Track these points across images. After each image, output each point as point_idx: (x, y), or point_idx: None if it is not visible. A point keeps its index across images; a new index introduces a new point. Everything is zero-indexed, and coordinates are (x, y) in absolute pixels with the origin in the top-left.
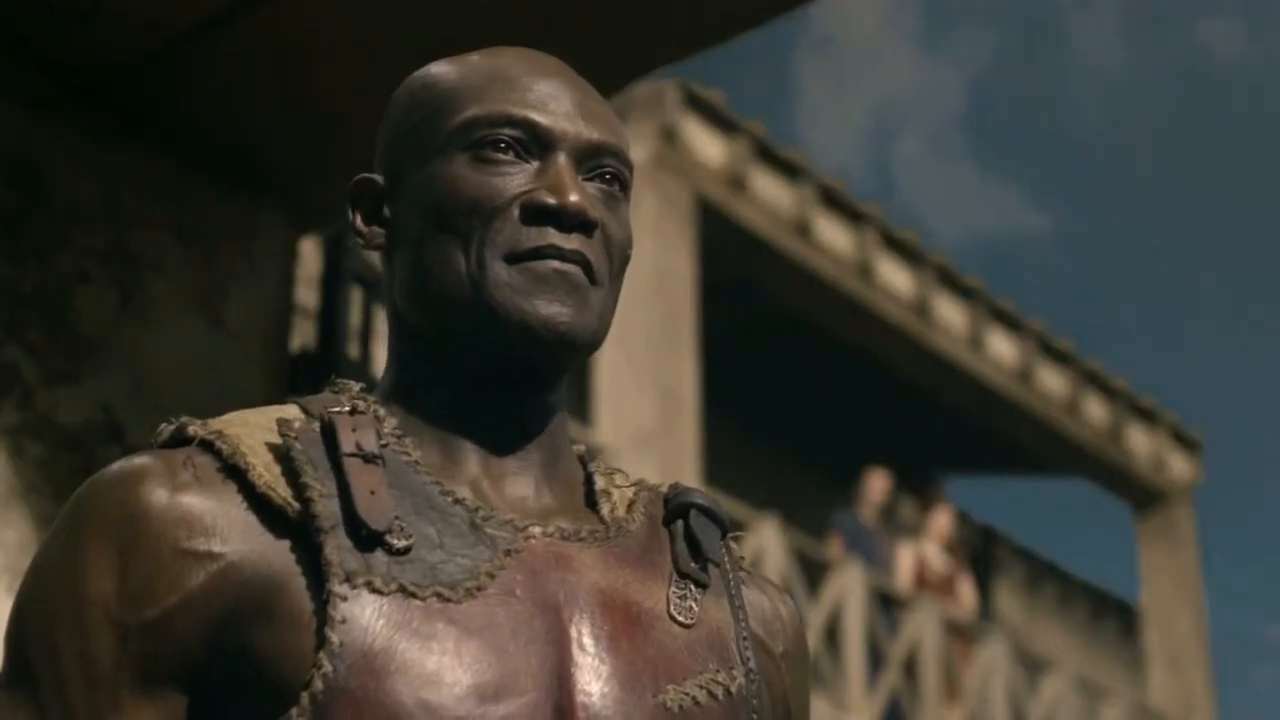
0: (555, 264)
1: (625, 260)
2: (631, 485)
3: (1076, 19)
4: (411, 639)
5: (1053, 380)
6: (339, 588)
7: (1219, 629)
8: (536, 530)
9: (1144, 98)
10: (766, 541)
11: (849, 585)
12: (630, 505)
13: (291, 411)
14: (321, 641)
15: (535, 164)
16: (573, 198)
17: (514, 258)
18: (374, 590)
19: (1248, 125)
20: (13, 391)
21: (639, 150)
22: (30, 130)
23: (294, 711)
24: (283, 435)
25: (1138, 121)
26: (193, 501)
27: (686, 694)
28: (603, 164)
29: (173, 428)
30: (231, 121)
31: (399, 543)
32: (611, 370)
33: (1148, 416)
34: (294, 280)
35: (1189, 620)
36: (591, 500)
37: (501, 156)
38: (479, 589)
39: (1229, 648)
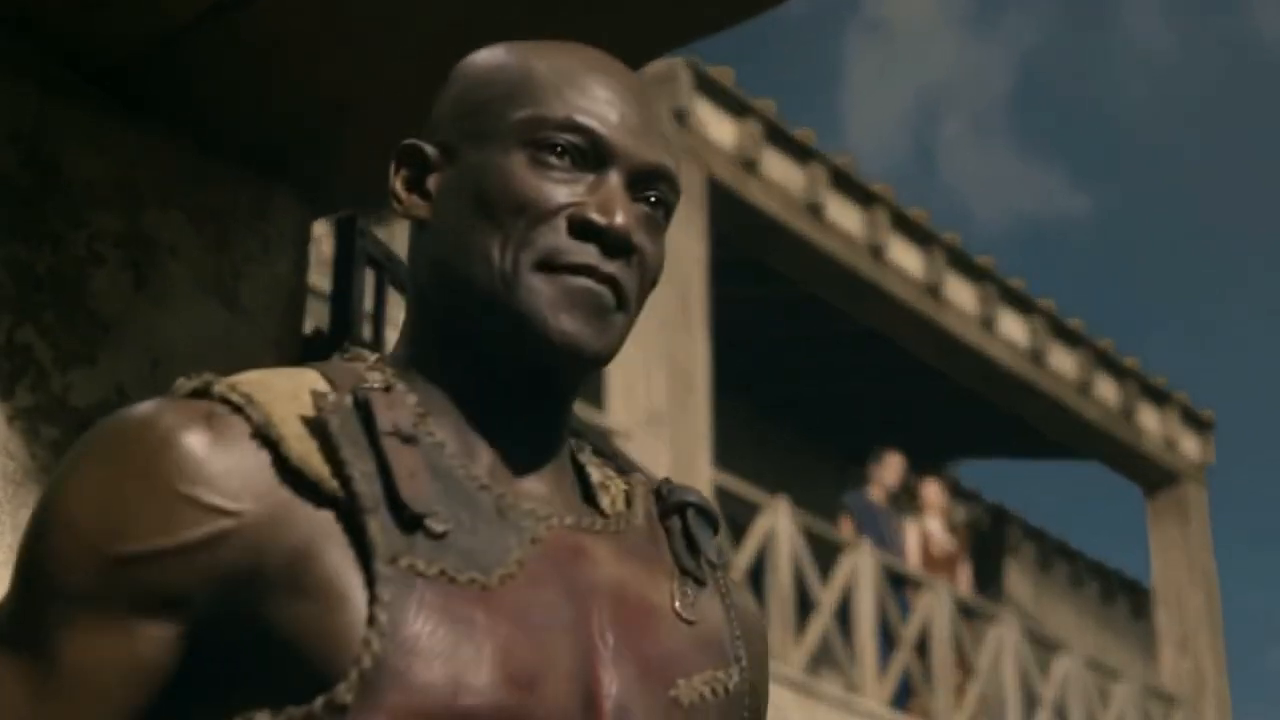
0: (588, 283)
1: (654, 285)
2: (622, 477)
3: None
4: (453, 623)
5: (1064, 361)
6: (384, 568)
7: (1234, 611)
8: (554, 520)
9: (1191, 80)
10: (778, 523)
11: (860, 566)
12: (629, 499)
13: (315, 380)
14: (369, 620)
15: (590, 177)
16: (620, 220)
17: (549, 267)
18: (417, 573)
19: None
20: (27, 373)
21: None
22: (43, 113)
23: (341, 688)
24: (318, 409)
25: (1184, 104)
26: (208, 454)
27: (695, 690)
28: (654, 187)
29: (194, 384)
30: (244, 105)
31: (439, 527)
32: (623, 352)
33: (1159, 397)
34: (308, 262)
35: (1200, 601)
36: (588, 493)
37: (558, 162)
38: (511, 576)
39: (1245, 630)
